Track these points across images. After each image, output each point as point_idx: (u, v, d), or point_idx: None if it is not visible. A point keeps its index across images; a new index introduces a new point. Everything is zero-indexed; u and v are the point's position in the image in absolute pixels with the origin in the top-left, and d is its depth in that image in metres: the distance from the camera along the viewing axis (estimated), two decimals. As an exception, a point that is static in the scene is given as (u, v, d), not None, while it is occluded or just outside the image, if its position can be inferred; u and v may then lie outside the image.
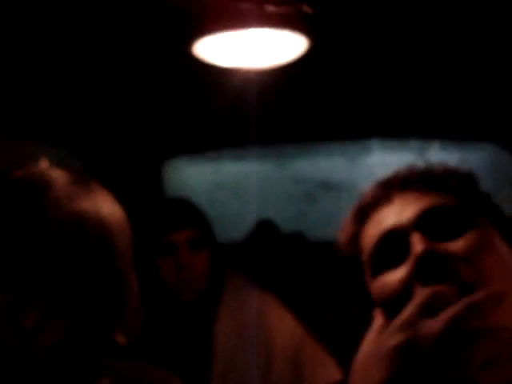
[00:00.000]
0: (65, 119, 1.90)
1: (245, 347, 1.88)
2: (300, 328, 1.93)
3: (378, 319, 0.76)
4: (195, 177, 2.99)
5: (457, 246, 0.78)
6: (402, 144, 2.70)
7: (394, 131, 2.30)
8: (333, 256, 2.01)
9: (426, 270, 0.76)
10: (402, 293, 0.79)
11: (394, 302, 0.80)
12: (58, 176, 0.85)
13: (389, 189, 0.88)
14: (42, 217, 0.79)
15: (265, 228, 2.48)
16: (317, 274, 2.39)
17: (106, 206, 0.86)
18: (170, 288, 1.85)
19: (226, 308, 1.91)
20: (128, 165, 2.29)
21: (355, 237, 0.91)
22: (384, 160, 2.73)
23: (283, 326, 1.91)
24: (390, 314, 0.79)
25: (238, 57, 1.32)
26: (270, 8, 0.95)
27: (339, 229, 0.95)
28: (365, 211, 0.90)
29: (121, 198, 2.33)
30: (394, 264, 0.81)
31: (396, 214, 0.84)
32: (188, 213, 1.89)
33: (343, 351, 2.06)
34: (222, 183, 3.06)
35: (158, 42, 1.28)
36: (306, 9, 0.96)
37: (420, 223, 0.81)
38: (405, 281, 0.79)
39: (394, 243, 0.83)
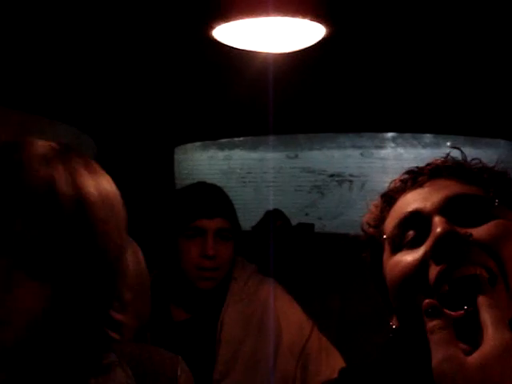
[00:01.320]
0: (81, 100, 1.90)
1: (253, 335, 1.88)
2: (307, 321, 1.93)
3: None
4: (207, 163, 3.00)
5: (478, 232, 0.80)
6: (415, 139, 2.69)
7: (408, 126, 2.29)
8: (342, 247, 2.01)
9: (443, 250, 0.78)
10: (416, 271, 0.80)
11: (406, 280, 0.81)
12: (42, 144, 0.85)
13: (420, 175, 0.91)
14: (13, 174, 0.78)
15: (275, 217, 2.48)
16: (325, 264, 2.38)
17: (87, 180, 0.85)
18: (187, 272, 1.85)
19: (234, 296, 1.91)
20: (140, 148, 2.29)
21: (381, 219, 0.93)
22: (397, 154, 2.73)
23: (291, 317, 1.92)
24: (401, 294, 0.80)
25: (256, 41, 1.31)
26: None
27: (365, 213, 0.97)
28: (393, 196, 0.92)
29: (132, 180, 2.36)
30: (414, 245, 0.83)
31: (423, 197, 0.86)
32: (221, 202, 1.89)
33: (349, 341, 2.06)
34: (234, 171, 3.06)
35: (175, 26, 1.27)
36: None
37: (444, 209, 0.83)
38: (421, 259, 0.80)
39: (416, 225, 0.84)
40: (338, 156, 2.98)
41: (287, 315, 1.92)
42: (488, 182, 0.87)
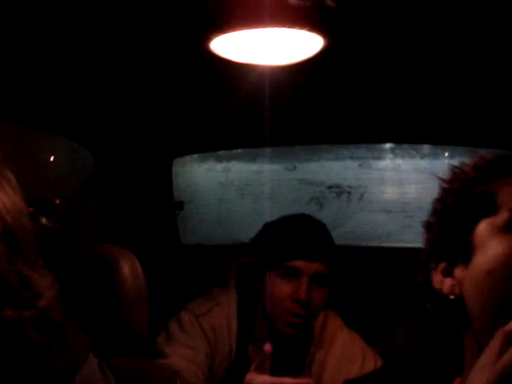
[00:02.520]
0: (78, 112, 1.90)
1: (328, 378, 1.81)
2: (369, 351, 1.87)
3: None
4: (205, 175, 3.00)
5: None
6: (413, 149, 2.70)
7: (406, 137, 2.29)
8: (341, 259, 1.99)
9: None
10: None
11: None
12: None
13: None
14: None
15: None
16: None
17: None
18: (273, 313, 1.72)
19: (315, 338, 1.83)
20: (138, 160, 2.29)
21: (490, 179, 0.88)
22: (395, 165, 2.73)
23: (355, 350, 1.85)
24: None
25: (253, 52, 1.31)
26: (292, 2, 0.93)
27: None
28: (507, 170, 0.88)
29: (130, 192, 2.35)
30: None
31: None
32: (324, 245, 1.75)
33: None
34: (232, 183, 3.06)
35: (172, 37, 1.27)
36: (330, 2, 0.94)
37: None
38: None
39: None
40: (336, 167, 2.98)
41: (351, 348, 1.85)
42: None
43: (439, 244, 0.91)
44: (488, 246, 0.83)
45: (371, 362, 1.82)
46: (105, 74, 1.56)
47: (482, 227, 0.85)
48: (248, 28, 1.17)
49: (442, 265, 0.89)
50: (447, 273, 0.88)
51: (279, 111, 1.69)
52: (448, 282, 0.88)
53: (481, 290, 0.82)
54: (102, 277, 1.20)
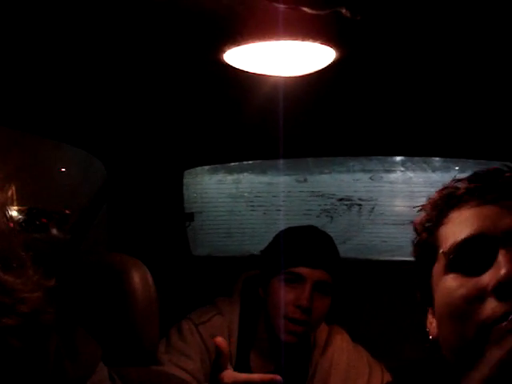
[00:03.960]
0: (90, 122, 1.91)
1: None
2: (376, 365, 1.85)
3: None
4: (215, 187, 3.00)
5: None
6: (424, 162, 2.69)
7: (417, 150, 2.29)
8: (350, 273, 1.98)
9: (507, 290, 0.76)
10: (474, 300, 0.79)
11: (462, 307, 0.80)
12: None
13: (489, 192, 0.86)
14: None
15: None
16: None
17: None
18: (273, 319, 1.74)
19: (318, 349, 1.83)
20: (149, 171, 2.30)
21: (436, 224, 0.89)
22: (406, 178, 2.72)
23: (361, 364, 1.84)
24: (454, 316, 0.80)
25: (266, 64, 1.32)
26: (307, 11, 0.94)
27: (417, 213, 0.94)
28: (455, 203, 0.88)
29: (141, 203, 2.36)
30: (474, 273, 0.80)
31: (490, 219, 0.82)
32: (328, 254, 1.77)
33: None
34: (242, 194, 3.06)
35: (186, 49, 1.28)
36: (346, 12, 0.95)
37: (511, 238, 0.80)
38: (481, 291, 0.78)
39: (479, 249, 0.81)
40: (347, 180, 2.97)
41: (357, 363, 1.84)
42: None
43: (421, 293, 0.95)
44: (438, 290, 0.86)
45: (378, 377, 1.81)
46: (118, 85, 1.57)
47: (434, 271, 0.88)
48: (261, 40, 1.18)
49: (430, 310, 0.92)
50: (433, 316, 0.91)
51: (291, 123, 1.70)
52: (433, 325, 0.91)
53: (440, 332, 0.86)
54: (112, 287, 1.20)
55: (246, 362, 1.80)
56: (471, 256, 0.82)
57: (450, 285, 0.83)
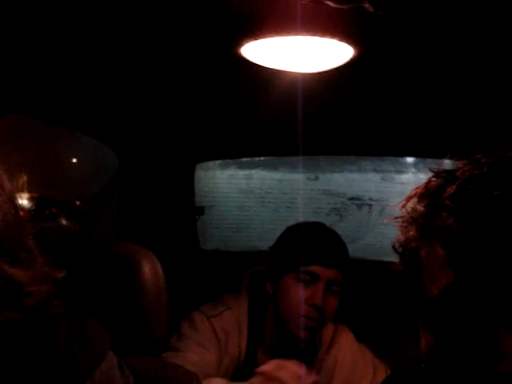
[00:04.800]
0: (105, 113, 1.91)
1: None
2: (380, 365, 1.86)
3: None
4: (227, 181, 3.00)
5: None
6: (437, 164, 2.68)
7: (430, 151, 2.28)
8: (359, 272, 1.98)
9: None
10: None
11: None
12: None
13: None
14: None
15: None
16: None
17: None
18: (287, 316, 1.75)
19: (323, 347, 1.85)
20: (161, 163, 2.30)
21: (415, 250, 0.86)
22: (417, 179, 2.71)
23: (365, 365, 1.85)
24: None
25: (284, 60, 1.31)
26: (330, 5, 0.94)
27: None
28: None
29: (152, 194, 2.36)
30: None
31: None
32: (341, 253, 1.80)
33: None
34: (253, 190, 3.06)
35: (203, 42, 1.28)
36: (369, 7, 0.94)
37: None
38: None
39: None
40: (358, 179, 2.97)
41: (361, 363, 1.85)
42: None
43: None
44: None
45: (382, 378, 1.80)
46: (135, 76, 1.57)
47: None
48: (280, 35, 1.18)
49: None
50: None
51: (306, 120, 1.69)
52: None
53: None
54: (122, 276, 1.20)
55: (254, 357, 1.81)
56: None
57: None
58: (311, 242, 1.76)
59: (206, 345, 1.75)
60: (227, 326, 1.79)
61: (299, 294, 1.72)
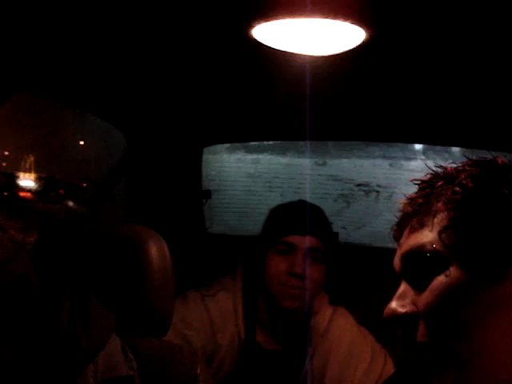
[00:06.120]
0: (115, 95, 1.91)
1: (335, 370, 1.83)
2: (380, 350, 1.86)
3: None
4: (234, 165, 2.99)
5: None
6: (446, 152, 2.66)
7: (439, 138, 2.26)
8: (365, 258, 1.96)
9: None
10: None
11: None
12: None
13: None
14: None
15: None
16: (347, 274, 2.36)
17: None
18: (271, 288, 1.78)
19: (318, 331, 1.85)
20: (169, 145, 2.30)
21: None
22: (426, 166, 2.69)
23: (365, 348, 1.86)
24: None
25: (294, 42, 1.30)
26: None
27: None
28: None
29: (159, 177, 2.36)
30: None
31: None
32: (317, 221, 1.82)
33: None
34: (261, 175, 3.05)
35: (214, 23, 1.27)
36: None
37: None
38: None
39: None
40: (366, 165, 2.96)
41: (361, 346, 1.86)
42: None
43: None
44: None
45: (380, 363, 1.83)
46: (144, 58, 1.56)
47: None
48: (291, 17, 1.16)
49: None
50: None
51: (316, 104, 1.68)
52: None
53: None
54: (129, 257, 1.20)
55: (253, 338, 1.83)
56: None
57: None
58: (286, 215, 1.81)
59: (193, 324, 1.77)
60: (223, 305, 1.81)
61: (279, 265, 1.75)
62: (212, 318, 1.79)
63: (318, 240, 1.78)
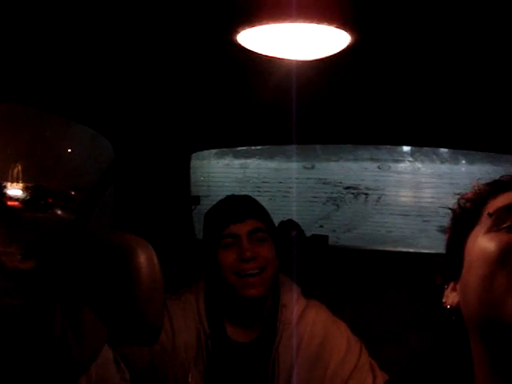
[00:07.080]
0: (100, 102, 1.90)
1: (305, 362, 1.82)
2: (355, 342, 1.85)
3: None
4: (223, 170, 3.00)
5: None
6: (433, 154, 2.68)
7: (427, 140, 2.27)
8: (355, 261, 1.97)
9: None
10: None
11: (498, 251, 0.83)
12: None
13: None
14: None
15: (289, 228, 2.47)
16: (337, 277, 2.37)
17: None
18: (229, 282, 1.80)
19: (285, 324, 1.84)
20: (157, 152, 2.29)
21: (483, 200, 0.95)
22: (414, 168, 2.71)
23: (339, 340, 1.84)
24: (489, 265, 0.83)
25: (280, 47, 1.30)
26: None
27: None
28: (503, 187, 0.94)
29: (147, 184, 2.35)
30: None
31: None
32: (249, 205, 1.87)
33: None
34: (249, 179, 3.05)
35: (199, 29, 1.27)
36: None
37: None
38: None
39: None
40: (355, 168, 2.97)
41: (335, 338, 1.84)
42: None
43: (447, 265, 0.97)
44: (474, 248, 0.89)
45: (355, 354, 1.82)
46: (129, 65, 1.56)
47: (471, 236, 0.92)
48: (276, 22, 1.16)
49: (451, 284, 0.95)
50: (453, 289, 0.94)
51: (302, 109, 1.68)
52: (452, 295, 0.94)
53: (464, 293, 0.89)
54: (118, 265, 1.19)
55: (223, 332, 1.85)
56: None
57: (490, 238, 0.86)
58: (220, 211, 1.87)
59: None
60: (187, 306, 1.84)
61: (228, 257, 1.79)
62: (172, 318, 1.82)
63: (257, 221, 1.82)
